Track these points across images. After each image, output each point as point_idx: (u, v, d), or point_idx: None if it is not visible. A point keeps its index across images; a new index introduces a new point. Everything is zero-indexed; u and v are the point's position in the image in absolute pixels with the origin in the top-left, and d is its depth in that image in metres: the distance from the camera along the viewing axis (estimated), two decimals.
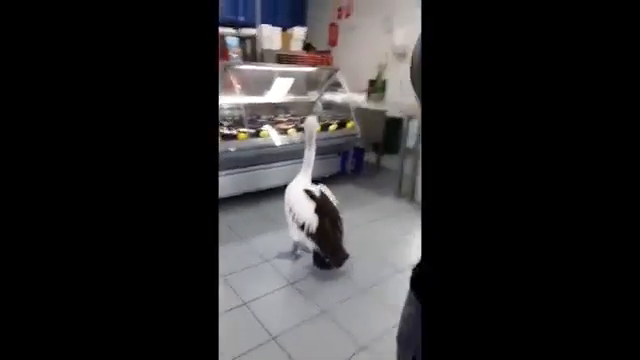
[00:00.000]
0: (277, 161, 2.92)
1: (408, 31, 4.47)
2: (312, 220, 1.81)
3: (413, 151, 2.97)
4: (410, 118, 2.99)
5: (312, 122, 1.99)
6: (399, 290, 1.81)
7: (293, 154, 2.96)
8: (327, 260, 1.87)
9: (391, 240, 2.42)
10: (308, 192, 1.91)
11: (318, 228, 1.80)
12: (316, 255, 1.89)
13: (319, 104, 3.70)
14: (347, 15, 5.22)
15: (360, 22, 5.07)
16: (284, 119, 3.23)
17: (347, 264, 2.08)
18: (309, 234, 1.82)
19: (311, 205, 1.85)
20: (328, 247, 1.82)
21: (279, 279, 1.94)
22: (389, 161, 4.11)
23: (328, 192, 2.00)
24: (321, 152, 3.14)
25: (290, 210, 1.91)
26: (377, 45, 4.84)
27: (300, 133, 2.91)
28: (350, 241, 2.32)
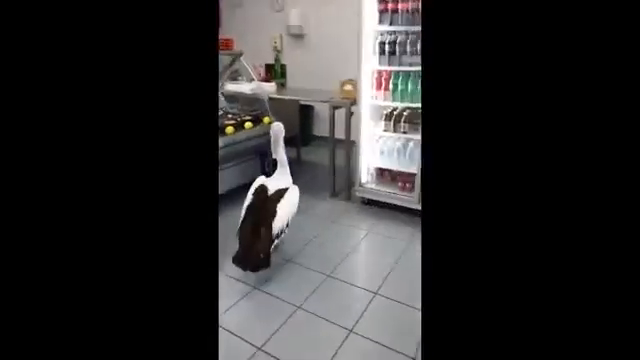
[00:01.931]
0: None
1: (302, 11, 4.10)
2: (241, 216, 1.81)
3: (344, 142, 2.67)
4: (336, 107, 2.66)
5: (278, 127, 1.99)
6: (390, 324, 1.44)
7: None
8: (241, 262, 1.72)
9: (350, 258, 2.09)
10: (260, 187, 1.89)
11: (240, 226, 1.78)
12: (238, 251, 1.74)
13: (221, 97, 3.07)
14: None
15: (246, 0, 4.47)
16: None
17: (316, 303, 1.68)
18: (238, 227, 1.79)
19: (247, 202, 1.84)
20: (242, 248, 1.71)
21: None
22: (307, 154, 3.77)
23: (290, 196, 1.88)
24: (237, 156, 2.60)
25: None
26: (269, 26, 4.34)
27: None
28: (306, 265, 1.94)
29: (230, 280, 1.82)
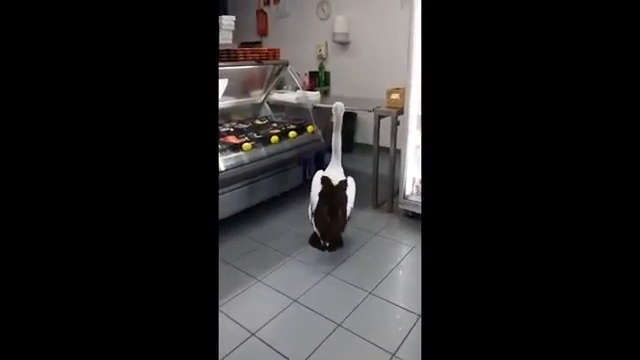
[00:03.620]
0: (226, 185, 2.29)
1: (348, 17, 4.08)
2: (314, 201, 1.99)
3: (387, 152, 2.59)
4: (382, 117, 2.59)
5: (341, 107, 2.13)
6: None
7: (249, 175, 2.37)
8: (321, 241, 1.97)
9: (393, 275, 2.01)
10: (325, 178, 2.05)
11: (316, 210, 1.96)
12: (314, 235, 2.00)
13: (266, 106, 3.11)
14: (276, 1, 4.63)
15: (292, 8, 4.53)
16: (230, 129, 2.60)
17: (356, 321, 1.61)
18: (311, 213, 1.99)
19: (319, 188, 2.01)
20: (321, 229, 1.94)
21: None
22: (348, 162, 3.71)
23: (352, 185, 2.08)
24: (280, 165, 2.61)
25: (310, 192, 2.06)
26: (314, 34, 4.36)
27: (254, 149, 2.34)
28: (347, 280, 1.85)
29: (271, 291, 1.81)
